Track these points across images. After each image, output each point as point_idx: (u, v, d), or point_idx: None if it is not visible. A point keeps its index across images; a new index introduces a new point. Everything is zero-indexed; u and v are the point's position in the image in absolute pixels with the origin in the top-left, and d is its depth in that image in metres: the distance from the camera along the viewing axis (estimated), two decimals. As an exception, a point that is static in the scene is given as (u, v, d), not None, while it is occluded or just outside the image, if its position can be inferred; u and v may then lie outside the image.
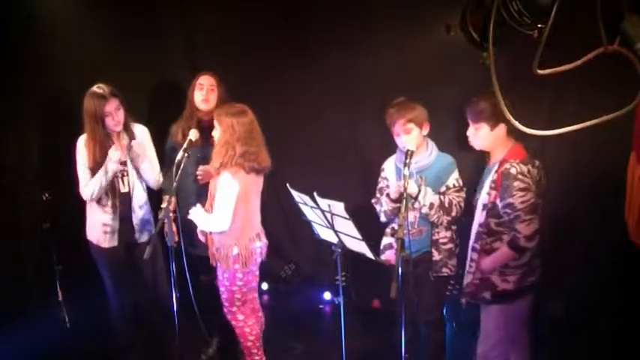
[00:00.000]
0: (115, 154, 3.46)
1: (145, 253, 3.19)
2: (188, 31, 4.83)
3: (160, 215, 3.26)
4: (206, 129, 3.62)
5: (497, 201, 2.85)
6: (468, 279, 3.02)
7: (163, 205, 3.29)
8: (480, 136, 2.94)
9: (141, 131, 3.69)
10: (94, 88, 3.50)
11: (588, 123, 1.49)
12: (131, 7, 4.50)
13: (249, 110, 3.40)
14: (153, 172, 3.67)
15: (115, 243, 3.60)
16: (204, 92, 3.78)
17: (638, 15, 1.43)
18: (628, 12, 1.43)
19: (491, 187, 2.90)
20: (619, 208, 2.77)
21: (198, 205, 3.43)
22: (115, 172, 3.50)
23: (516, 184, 2.79)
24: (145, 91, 4.67)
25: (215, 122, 3.39)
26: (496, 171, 2.90)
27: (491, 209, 2.88)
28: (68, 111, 4.59)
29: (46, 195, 4.32)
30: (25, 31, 4.42)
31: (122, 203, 3.60)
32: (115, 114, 3.48)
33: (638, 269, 3.35)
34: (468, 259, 3.03)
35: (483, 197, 2.95)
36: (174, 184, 3.31)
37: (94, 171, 3.50)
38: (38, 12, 4.45)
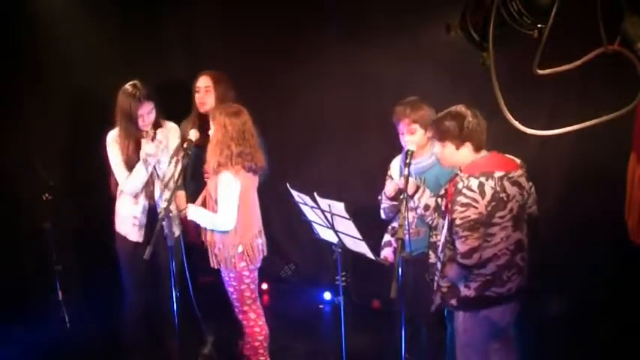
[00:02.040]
0: (150, 148, 3.45)
1: (146, 252, 3.19)
2: (189, 31, 4.83)
3: (160, 215, 3.26)
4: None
5: (450, 215, 2.79)
6: (435, 286, 2.99)
7: (163, 205, 3.28)
8: (446, 155, 2.84)
9: (171, 129, 3.69)
10: (129, 87, 3.46)
11: (588, 123, 1.49)
12: (132, 6, 4.51)
13: (245, 111, 3.38)
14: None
15: (141, 239, 3.59)
16: (200, 95, 3.79)
17: (638, 15, 1.43)
18: (628, 12, 1.43)
19: (447, 200, 2.87)
20: (619, 208, 2.77)
21: (193, 205, 3.44)
22: (153, 164, 3.50)
23: (459, 198, 2.70)
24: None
25: (211, 121, 3.39)
26: (450, 183, 2.86)
27: (449, 221, 2.82)
28: (69, 111, 4.61)
29: (46, 195, 4.32)
30: (26, 31, 4.42)
31: (151, 200, 3.61)
32: (146, 117, 3.48)
33: (638, 269, 3.36)
34: (437, 268, 2.98)
35: (444, 209, 2.93)
36: (175, 184, 3.31)
37: (127, 165, 3.51)
38: (39, 12, 4.45)
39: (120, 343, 3.80)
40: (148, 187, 3.57)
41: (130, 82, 3.48)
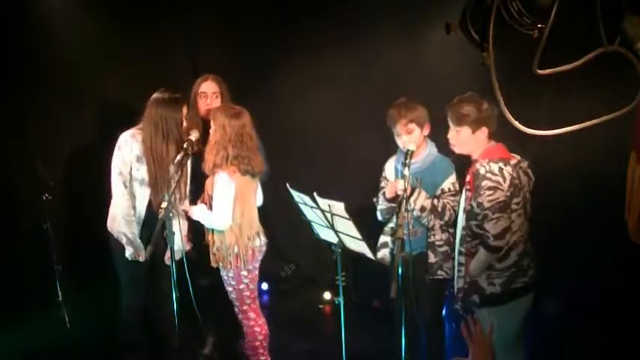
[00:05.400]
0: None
1: (146, 252, 3.19)
2: (189, 32, 4.83)
3: (160, 215, 3.25)
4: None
5: (472, 202, 2.82)
6: (459, 284, 3.00)
7: (163, 205, 3.28)
8: (461, 139, 2.90)
9: None
10: (170, 94, 3.42)
11: (588, 123, 1.50)
12: (132, 7, 4.51)
13: (246, 113, 3.38)
14: None
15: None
16: (208, 101, 3.76)
17: (638, 15, 1.43)
18: (628, 12, 1.43)
19: (466, 189, 2.91)
20: (619, 208, 2.77)
21: (200, 204, 3.44)
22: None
23: (484, 183, 2.75)
24: (146, 91, 4.67)
25: (211, 120, 3.40)
26: (468, 172, 2.90)
27: (469, 211, 2.85)
28: (69, 111, 4.61)
29: (46, 195, 4.32)
30: (26, 35, 4.42)
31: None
32: (185, 121, 3.48)
33: (638, 269, 3.36)
34: (457, 263, 3.00)
35: (462, 200, 2.96)
36: (174, 184, 3.31)
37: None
38: (40, 13, 4.45)
39: (119, 343, 3.80)
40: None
41: (161, 91, 3.45)
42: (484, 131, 2.85)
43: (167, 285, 3.49)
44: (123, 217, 3.43)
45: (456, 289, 3.04)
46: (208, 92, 3.76)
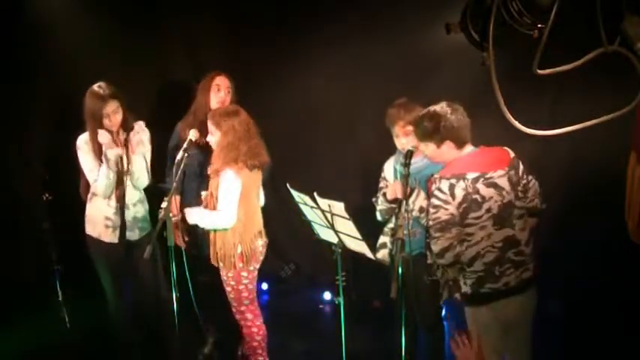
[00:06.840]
0: (112, 153, 3.45)
1: (145, 252, 3.19)
2: (189, 30, 4.84)
3: (160, 215, 3.26)
4: None
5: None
6: (443, 280, 3.01)
7: (163, 205, 3.28)
8: (429, 153, 2.88)
9: (141, 129, 3.68)
10: (95, 88, 3.46)
11: (588, 123, 1.50)
12: (132, 7, 4.51)
13: (241, 108, 3.42)
14: (143, 171, 3.64)
15: (115, 240, 3.58)
16: (222, 94, 3.74)
17: (638, 15, 1.43)
18: (628, 12, 1.43)
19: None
20: (619, 208, 2.77)
21: (196, 207, 3.43)
22: (117, 168, 3.50)
23: (432, 200, 2.76)
24: (146, 90, 4.67)
25: (211, 127, 3.37)
26: (428, 184, 2.90)
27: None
28: (69, 112, 4.60)
29: (46, 195, 4.32)
30: (26, 34, 4.42)
31: (120, 200, 3.59)
32: (112, 116, 3.45)
33: (638, 269, 3.36)
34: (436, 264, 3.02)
35: None
36: (174, 184, 3.30)
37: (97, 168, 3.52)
38: (40, 13, 4.45)
39: (119, 344, 3.81)
40: (118, 188, 3.56)
41: (96, 84, 3.48)
42: (449, 144, 2.79)
43: (164, 283, 3.50)
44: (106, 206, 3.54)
45: (440, 285, 3.06)
46: (222, 85, 3.77)
